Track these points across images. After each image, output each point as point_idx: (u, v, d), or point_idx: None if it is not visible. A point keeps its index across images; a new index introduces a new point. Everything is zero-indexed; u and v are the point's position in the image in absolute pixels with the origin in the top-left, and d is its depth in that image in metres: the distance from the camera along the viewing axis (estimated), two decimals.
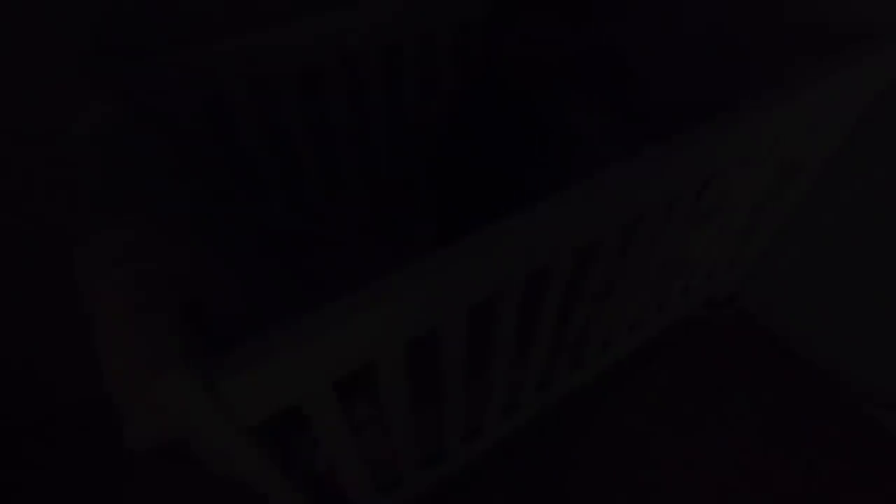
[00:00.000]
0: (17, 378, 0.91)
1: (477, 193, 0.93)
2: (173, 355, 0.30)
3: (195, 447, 0.36)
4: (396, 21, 0.82)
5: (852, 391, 0.96)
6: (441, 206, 0.97)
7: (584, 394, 0.99)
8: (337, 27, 0.77)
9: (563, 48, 0.85)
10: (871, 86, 0.70)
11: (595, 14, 0.93)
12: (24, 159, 0.71)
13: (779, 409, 0.96)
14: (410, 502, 0.85)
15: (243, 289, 0.77)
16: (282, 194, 0.90)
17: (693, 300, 0.97)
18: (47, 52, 0.65)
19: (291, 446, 0.61)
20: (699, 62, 0.90)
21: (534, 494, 0.87)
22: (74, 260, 0.36)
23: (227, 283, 0.65)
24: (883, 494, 0.85)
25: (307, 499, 0.51)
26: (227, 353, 0.34)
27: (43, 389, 0.95)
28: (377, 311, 0.38)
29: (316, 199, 0.96)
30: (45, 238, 0.79)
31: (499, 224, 0.45)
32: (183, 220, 0.54)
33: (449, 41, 0.90)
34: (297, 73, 0.78)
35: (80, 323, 0.91)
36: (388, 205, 1.00)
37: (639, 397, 0.98)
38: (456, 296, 0.44)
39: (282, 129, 0.86)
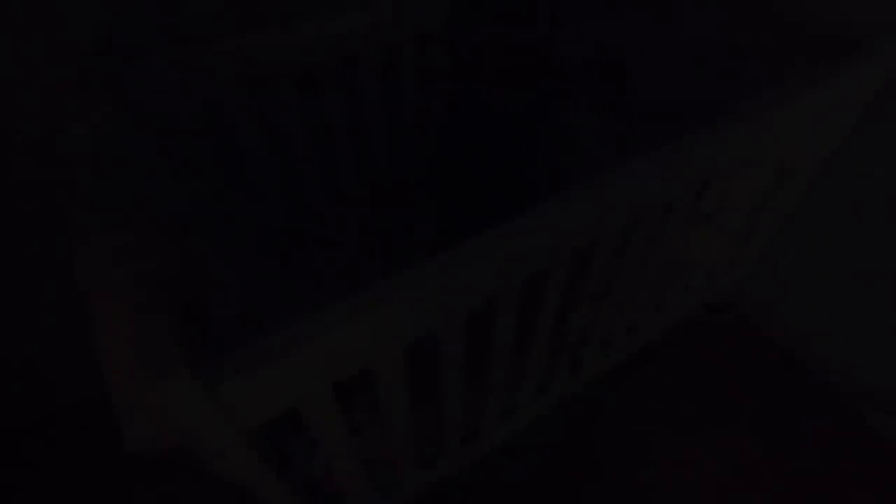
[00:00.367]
0: (17, 378, 0.91)
1: (476, 193, 0.93)
2: (173, 357, 0.30)
3: (195, 449, 0.36)
4: (395, 22, 0.82)
5: (850, 393, 0.96)
6: (440, 206, 0.97)
7: (585, 394, 0.99)
8: (336, 28, 0.77)
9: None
10: (869, 87, 0.70)
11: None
12: (23, 159, 0.71)
13: (778, 410, 0.96)
14: (410, 503, 0.85)
15: (243, 289, 0.78)
16: (281, 194, 0.90)
17: (692, 302, 0.97)
18: (47, 52, 0.65)
19: (289, 449, 0.61)
20: (697, 63, 0.90)
21: (534, 495, 0.87)
22: (75, 260, 0.36)
23: (227, 283, 0.65)
24: (881, 496, 0.85)
25: (305, 501, 0.51)
26: (227, 355, 0.34)
27: (43, 389, 0.95)
28: (377, 314, 0.38)
29: (316, 199, 0.96)
30: (45, 238, 0.79)
31: (498, 227, 0.45)
32: (183, 221, 0.54)
33: (445, 42, 0.89)
34: (297, 73, 0.78)
35: (80, 323, 0.91)
36: (387, 205, 1.00)
37: (639, 398, 0.98)
38: (455, 299, 0.44)
39: (281, 129, 0.86)
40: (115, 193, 0.47)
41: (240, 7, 0.75)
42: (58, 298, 0.86)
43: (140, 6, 0.68)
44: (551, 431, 0.94)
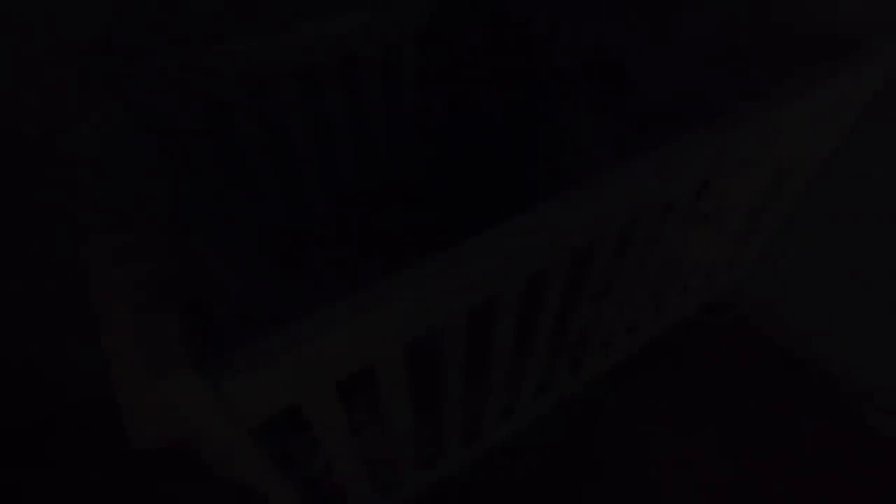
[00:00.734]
0: (17, 378, 0.91)
1: (476, 193, 0.93)
2: (177, 355, 0.30)
3: (197, 448, 0.37)
4: (395, 21, 0.82)
5: (850, 393, 0.97)
6: (440, 207, 0.97)
7: (585, 394, 0.99)
8: (336, 28, 0.77)
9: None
10: (868, 87, 0.70)
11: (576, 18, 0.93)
12: (24, 159, 0.71)
13: (777, 410, 0.96)
14: (410, 503, 0.85)
15: (243, 289, 0.78)
16: (281, 194, 0.90)
17: (692, 302, 0.98)
18: (48, 53, 0.66)
19: (289, 448, 0.61)
20: (696, 63, 0.90)
21: (534, 495, 0.87)
22: (78, 260, 0.36)
23: (227, 283, 0.66)
24: (882, 495, 0.85)
25: (306, 500, 0.51)
26: (229, 353, 0.34)
27: (43, 389, 0.95)
28: (378, 312, 0.38)
29: (316, 199, 0.96)
30: (46, 238, 0.79)
31: (498, 227, 0.45)
32: (183, 221, 0.54)
33: (444, 42, 0.90)
34: (297, 73, 0.78)
35: (80, 323, 0.91)
36: (387, 205, 1.00)
37: (639, 398, 0.98)
38: (456, 298, 0.44)
39: (281, 129, 0.86)
40: (116, 193, 0.47)
41: (239, 7, 0.76)
42: (58, 298, 0.86)
43: (140, 6, 0.68)
44: (551, 431, 0.94)
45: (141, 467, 0.92)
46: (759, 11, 0.78)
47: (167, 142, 0.72)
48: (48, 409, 0.98)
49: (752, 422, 0.94)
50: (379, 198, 1.01)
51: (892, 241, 0.82)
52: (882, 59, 0.66)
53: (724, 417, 0.95)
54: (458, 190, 0.94)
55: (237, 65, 0.72)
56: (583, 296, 0.66)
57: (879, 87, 0.73)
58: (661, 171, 0.52)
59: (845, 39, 0.71)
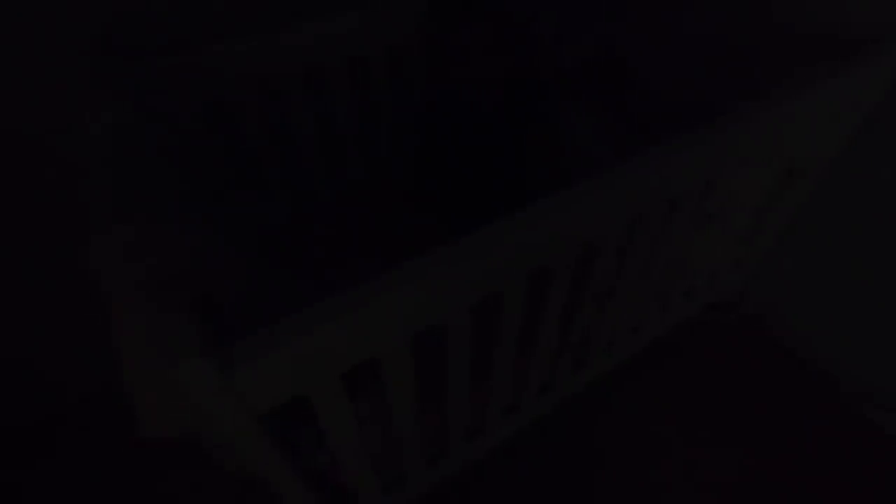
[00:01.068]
0: (19, 377, 0.91)
1: (476, 194, 0.94)
2: (188, 343, 0.30)
3: (205, 441, 0.37)
4: (397, 22, 0.83)
5: (854, 392, 0.97)
6: (441, 207, 0.97)
7: (588, 394, 0.99)
8: (341, 28, 0.78)
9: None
10: (875, 87, 0.70)
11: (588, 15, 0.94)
12: (23, 159, 0.71)
13: (781, 409, 0.96)
14: (412, 503, 0.85)
15: (247, 287, 0.77)
16: (283, 194, 0.90)
17: (696, 301, 0.98)
18: (50, 53, 0.66)
19: (295, 440, 0.61)
20: (698, 63, 0.90)
21: (536, 495, 0.86)
22: (90, 254, 0.37)
23: (233, 280, 0.66)
24: (882, 494, 0.85)
25: (310, 488, 0.51)
26: (238, 342, 0.35)
27: (45, 387, 0.95)
28: (384, 302, 0.39)
29: (317, 199, 0.96)
30: (46, 237, 0.79)
31: (503, 220, 0.45)
32: (188, 218, 0.54)
33: (446, 42, 0.90)
34: (300, 73, 0.79)
35: (81, 321, 0.90)
36: (388, 205, 1.00)
37: (642, 398, 0.98)
38: (460, 291, 0.44)
39: (284, 128, 0.87)
40: (125, 190, 0.47)
41: (242, 7, 0.76)
42: (59, 297, 0.86)
43: (144, 7, 0.69)
44: (554, 431, 0.94)
45: (144, 463, 0.92)
46: (762, 11, 0.79)
47: (173, 140, 0.73)
48: (50, 406, 0.98)
49: (754, 421, 0.94)
50: (379, 198, 1.02)
51: (894, 241, 0.82)
52: (889, 60, 0.66)
53: (728, 417, 0.95)
54: (458, 190, 0.94)
55: (239, 65, 0.72)
56: (587, 295, 0.67)
57: (886, 88, 0.73)
58: (664, 169, 0.52)
59: (849, 39, 0.72)
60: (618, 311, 0.77)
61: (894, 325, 0.87)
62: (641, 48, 0.97)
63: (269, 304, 0.83)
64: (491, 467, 0.89)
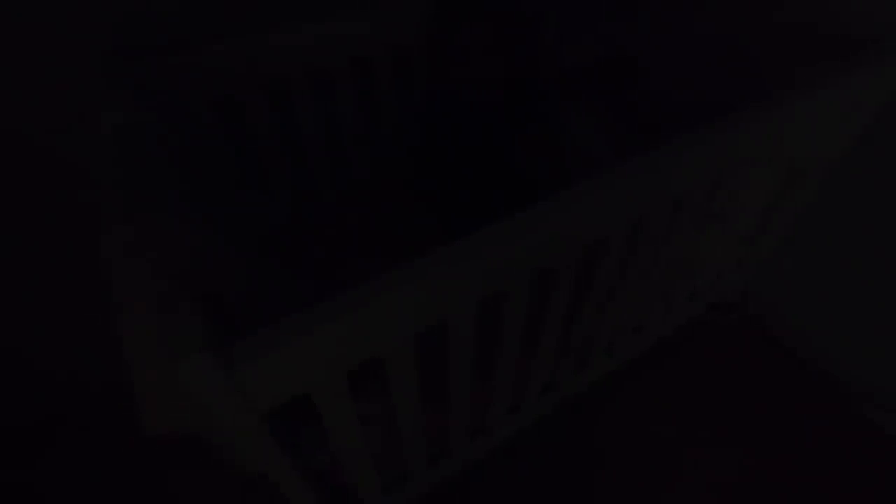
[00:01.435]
0: (22, 375, 0.91)
1: (477, 194, 0.94)
2: (193, 339, 0.30)
3: (208, 438, 0.37)
4: (405, 23, 0.83)
5: (856, 392, 0.97)
6: (442, 207, 0.97)
7: (588, 394, 0.99)
8: (347, 29, 0.78)
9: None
10: (881, 88, 0.70)
11: (602, 16, 0.94)
12: (30, 157, 0.71)
13: (781, 409, 0.96)
14: (413, 502, 0.85)
15: (247, 285, 0.78)
16: (286, 193, 0.90)
17: (699, 302, 0.98)
18: (58, 53, 0.66)
19: (297, 439, 0.61)
20: (707, 63, 0.90)
21: (536, 495, 0.86)
22: (103, 251, 0.37)
23: (232, 279, 0.66)
24: (882, 495, 0.85)
25: (311, 488, 0.51)
26: (243, 338, 0.35)
27: (43, 389, 0.95)
28: (385, 302, 0.39)
29: (319, 198, 0.96)
30: (46, 236, 0.79)
31: (508, 219, 0.45)
32: (189, 217, 0.55)
33: (447, 43, 0.90)
34: (306, 73, 0.79)
35: (84, 319, 0.90)
36: (388, 205, 1.01)
37: (644, 398, 0.98)
38: (464, 290, 0.44)
39: (288, 128, 0.87)
40: (132, 188, 0.47)
41: (246, 8, 0.76)
42: (60, 297, 0.86)
43: (148, 6, 0.69)
44: (555, 431, 0.94)
45: (145, 462, 0.92)
46: (770, 11, 0.78)
47: (175, 140, 0.73)
48: (50, 406, 0.98)
49: (755, 421, 0.94)
50: (380, 198, 1.02)
51: (895, 242, 0.82)
52: (893, 59, 0.66)
53: (728, 417, 0.95)
54: (459, 190, 0.94)
55: (243, 64, 0.72)
56: (590, 296, 0.67)
57: (893, 88, 0.72)
58: (668, 169, 0.52)
59: (858, 38, 0.71)
60: (620, 312, 0.77)
61: (895, 325, 0.87)
62: (650, 48, 0.97)
63: (270, 303, 0.83)
64: (491, 467, 0.89)
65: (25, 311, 0.85)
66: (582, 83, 0.99)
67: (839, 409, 0.95)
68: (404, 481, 0.71)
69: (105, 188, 0.44)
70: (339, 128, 0.90)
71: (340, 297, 0.38)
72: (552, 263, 0.51)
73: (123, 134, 0.52)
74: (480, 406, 0.74)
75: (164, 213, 0.47)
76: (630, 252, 0.66)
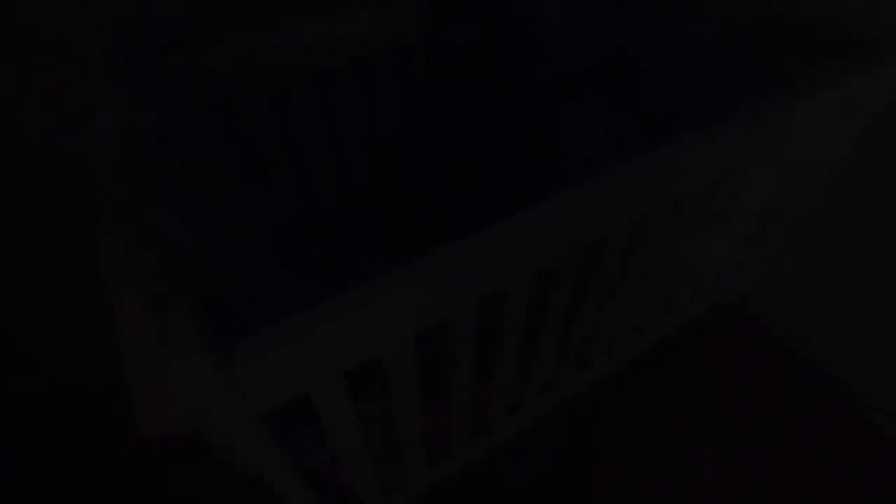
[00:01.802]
0: (17, 376, 0.91)
1: (476, 195, 0.93)
2: (190, 339, 0.30)
3: (206, 435, 0.36)
4: (404, 23, 0.83)
5: (853, 393, 0.97)
6: (441, 208, 0.97)
7: (588, 394, 0.99)
8: (347, 29, 0.78)
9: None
10: (881, 88, 0.69)
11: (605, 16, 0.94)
12: (31, 156, 0.71)
13: (781, 409, 0.96)
14: (412, 502, 0.85)
15: (246, 285, 0.77)
16: (286, 193, 0.90)
17: (700, 302, 0.98)
18: (58, 52, 0.66)
19: (296, 439, 0.61)
20: (710, 64, 0.90)
21: (536, 494, 0.86)
22: (99, 249, 0.37)
23: (232, 279, 0.65)
24: (882, 495, 0.85)
25: (310, 488, 0.51)
26: (241, 339, 0.35)
27: (43, 388, 0.95)
28: (385, 302, 0.38)
29: (319, 198, 0.96)
30: (48, 236, 0.79)
31: (508, 219, 0.45)
32: (189, 217, 0.55)
33: (447, 43, 0.90)
34: (306, 73, 0.79)
35: (84, 318, 0.90)
36: (389, 205, 1.00)
37: (643, 398, 0.98)
38: (464, 290, 0.44)
39: (288, 128, 0.87)
40: (130, 187, 0.47)
41: (246, 7, 0.76)
42: (63, 294, 0.86)
43: (147, 6, 0.69)
44: (555, 431, 0.94)
45: (145, 462, 0.92)
46: (770, 11, 0.78)
47: (174, 140, 0.73)
48: (50, 405, 0.98)
49: (755, 421, 0.94)
50: (380, 198, 1.02)
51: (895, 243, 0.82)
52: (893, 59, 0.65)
53: (728, 417, 0.95)
54: (459, 191, 0.94)
55: (243, 64, 0.72)
56: (591, 295, 0.67)
57: (894, 88, 0.72)
58: (668, 170, 0.52)
59: (858, 39, 0.71)
60: (621, 312, 0.77)
61: (894, 326, 0.87)
62: (650, 48, 0.97)
63: (270, 303, 0.83)
64: (491, 467, 0.89)
65: (25, 311, 0.85)
66: (582, 83, 0.99)
67: (839, 409, 0.95)
68: (404, 481, 0.71)
69: (104, 188, 0.44)
70: (338, 128, 0.90)
71: (340, 297, 0.38)
72: (552, 263, 0.51)
73: (123, 134, 0.52)
74: (480, 406, 0.74)
75: (164, 213, 0.47)
76: (630, 252, 0.66)
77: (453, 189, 0.93)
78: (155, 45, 0.72)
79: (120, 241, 0.39)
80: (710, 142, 0.54)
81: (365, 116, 0.91)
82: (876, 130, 0.78)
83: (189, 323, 0.32)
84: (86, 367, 0.97)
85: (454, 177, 0.92)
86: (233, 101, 0.75)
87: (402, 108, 0.94)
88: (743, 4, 0.83)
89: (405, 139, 0.99)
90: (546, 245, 0.48)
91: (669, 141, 0.54)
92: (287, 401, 0.39)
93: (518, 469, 0.89)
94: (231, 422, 0.35)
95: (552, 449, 0.92)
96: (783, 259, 0.99)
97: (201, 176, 0.79)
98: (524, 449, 0.91)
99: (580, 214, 0.47)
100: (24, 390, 0.94)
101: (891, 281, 0.85)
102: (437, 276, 0.40)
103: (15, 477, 0.91)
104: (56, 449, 0.94)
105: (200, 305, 0.36)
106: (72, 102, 0.70)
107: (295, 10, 0.80)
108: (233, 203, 0.87)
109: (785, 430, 0.93)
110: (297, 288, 0.87)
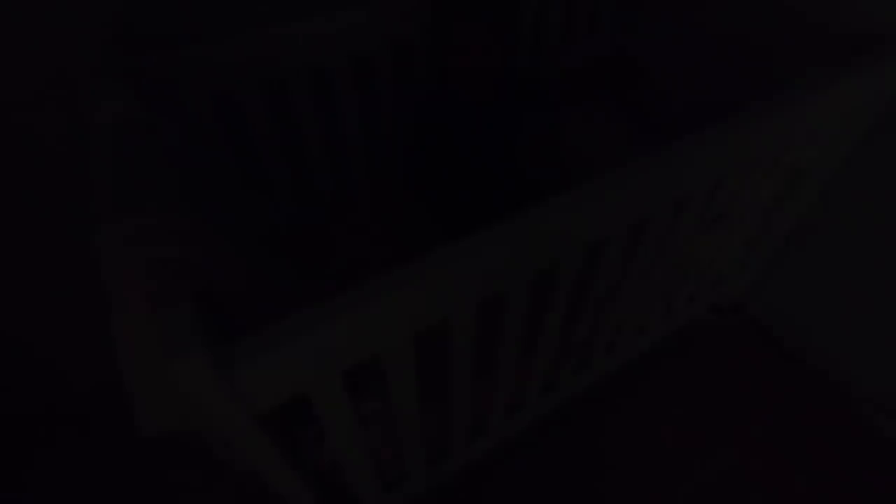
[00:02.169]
0: (16, 374, 0.91)
1: (478, 195, 0.93)
2: (188, 339, 0.30)
3: (204, 434, 0.36)
4: (405, 21, 0.83)
5: (854, 394, 0.97)
6: (443, 208, 0.97)
7: (589, 394, 0.99)
8: (346, 25, 0.78)
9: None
10: (882, 88, 0.69)
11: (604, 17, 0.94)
12: (31, 151, 0.71)
13: (781, 410, 0.96)
14: (412, 502, 0.85)
15: (246, 284, 0.77)
16: (286, 192, 0.90)
17: (701, 304, 0.97)
18: (61, 47, 0.66)
19: (295, 439, 0.61)
20: (715, 63, 0.90)
21: (536, 494, 0.86)
22: (93, 246, 0.37)
23: (231, 279, 0.65)
24: (882, 496, 0.85)
25: (310, 488, 0.50)
26: (240, 339, 0.34)
27: (42, 387, 0.95)
28: (385, 302, 0.38)
29: (320, 197, 0.96)
30: (48, 232, 0.79)
31: (508, 219, 0.45)
32: (193, 212, 0.54)
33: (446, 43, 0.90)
34: (307, 71, 0.79)
35: (83, 314, 0.90)
36: (389, 205, 1.00)
37: (642, 398, 0.98)
38: (464, 290, 0.44)
39: (289, 126, 0.86)
40: (128, 182, 0.47)
41: (246, 5, 0.76)
42: (62, 290, 0.86)
43: (148, 3, 0.69)
44: (554, 431, 0.94)
45: (144, 461, 0.92)
46: (782, 11, 0.78)
47: (174, 139, 0.73)
48: (50, 404, 0.98)
49: (755, 422, 0.94)
50: (380, 197, 1.02)
51: None
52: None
53: (728, 417, 0.95)
54: (459, 191, 0.94)
55: (243, 61, 0.72)
56: (591, 295, 0.66)
57: (894, 88, 0.72)
58: (671, 169, 0.52)
59: (858, 39, 0.71)
60: (621, 313, 0.77)
61: (895, 328, 0.87)
62: (651, 49, 0.97)
63: (269, 303, 0.83)
64: (492, 467, 0.89)
65: (24, 310, 0.85)
66: (584, 84, 0.99)
67: (839, 410, 0.95)
68: (404, 481, 0.71)
69: (102, 185, 0.44)
70: (338, 127, 0.90)
71: (340, 297, 0.38)
72: (552, 263, 0.51)
73: (122, 132, 0.52)
74: (480, 406, 0.74)
75: (163, 212, 0.47)
76: (631, 253, 0.66)
77: (453, 189, 0.93)
78: (154, 43, 0.72)
79: (118, 239, 0.39)
80: (710, 142, 0.53)
81: (365, 116, 0.91)
82: (876, 130, 0.78)
83: (189, 323, 0.32)
84: (85, 366, 0.97)
85: (454, 177, 0.92)
86: (232, 100, 0.75)
87: (402, 108, 0.94)
88: (743, 4, 0.83)
89: (405, 139, 0.99)
90: (546, 245, 0.47)
91: (670, 141, 0.54)
92: (287, 401, 0.39)
93: (518, 468, 0.89)
94: (230, 422, 0.35)
95: (552, 449, 0.92)
96: (784, 260, 0.99)
97: (201, 175, 0.79)
98: (524, 449, 0.91)
99: (580, 215, 0.47)
100: (22, 390, 0.94)
101: (891, 282, 0.85)
102: (437, 276, 0.40)
103: (13, 476, 0.91)
104: (54, 448, 0.94)
105: (200, 305, 0.36)
106: (71, 99, 0.70)
107: (294, 7, 0.80)
108: (233, 203, 0.87)
109: (785, 430, 0.93)
110: (297, 288, 0.87)
